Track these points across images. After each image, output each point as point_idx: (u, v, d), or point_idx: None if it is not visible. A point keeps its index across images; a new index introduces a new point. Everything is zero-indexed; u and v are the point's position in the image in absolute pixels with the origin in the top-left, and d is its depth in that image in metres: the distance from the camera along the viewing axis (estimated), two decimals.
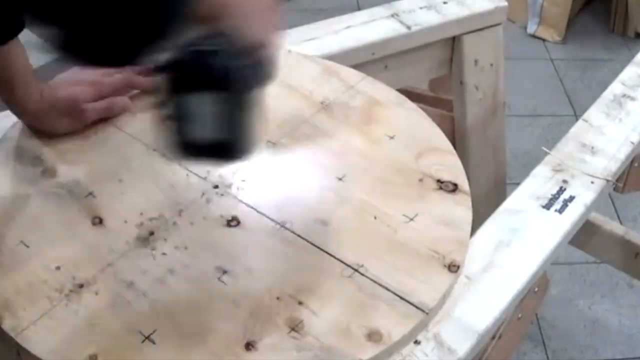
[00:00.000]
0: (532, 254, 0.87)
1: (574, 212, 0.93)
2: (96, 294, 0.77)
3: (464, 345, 0.77)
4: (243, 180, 0.90)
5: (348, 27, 1.23)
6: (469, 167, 1.35)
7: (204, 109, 0.64)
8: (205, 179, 0.90)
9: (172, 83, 0.64)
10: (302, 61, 1.11)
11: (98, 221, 0.85)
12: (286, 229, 0.85)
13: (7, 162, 0.93)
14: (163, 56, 0.64)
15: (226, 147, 0.67)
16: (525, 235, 0.89)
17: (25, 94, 0.91)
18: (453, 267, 0.81)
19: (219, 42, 0.65)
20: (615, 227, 1.33)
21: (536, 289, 0.93)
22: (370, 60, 1.21)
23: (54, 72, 0.99)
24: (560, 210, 0.93)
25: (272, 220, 0.86)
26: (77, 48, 0.58)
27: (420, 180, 0.92)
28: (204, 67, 0.63)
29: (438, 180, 0.91)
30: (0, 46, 0.86)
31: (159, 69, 0.64)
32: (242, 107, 0.66)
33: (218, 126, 0.65)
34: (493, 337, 0.86)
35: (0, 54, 0.87)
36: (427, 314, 0.76)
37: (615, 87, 1.16)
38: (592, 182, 0.98)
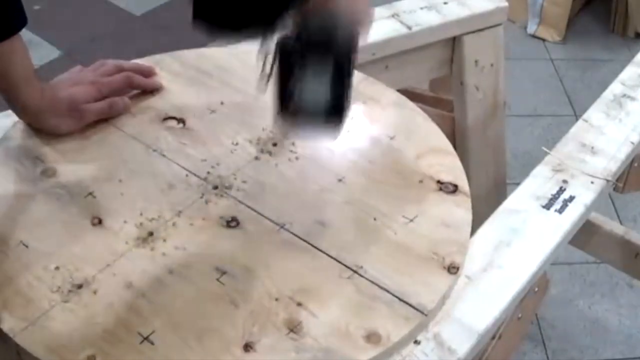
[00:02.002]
0: (532, 254, 0.87)
1: (574, 212, 0.93)
2: (95, 294, 0.77)
3: (464, 345, 0.77)
4: (243, 182, 0.90)
5: None
6: (469, 167, 1.35)
7: (320, 74, 0.73)
8: (205, 179, 0.90)
9: (293, 51, 0.73)
10: None
11: (97, 221, 0.85)
12: (285, 230, 0.85)
13: (8, 161, 0.93)
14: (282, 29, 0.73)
15: (333, 110, 0.76)
16: (525, 235, 0.89)
17: (26, 92, 0.91)
18: (452, 269, 0.81)
19: (331, 18, 0.74)
20: (615, 227, 1.33)
21: (536, 289, 0.92)
22: (370, 61, 1.21)
23: (54, 72, 0.99)
24: (560, 210, 0.93)
25: (271, 221, 0.86)
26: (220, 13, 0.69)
27: (420, 181, 0.92)
28: (324, 36, 0.73)
29: (438, 182, 0.91)
30: (2, 42, 0.85)
31: (283, 40, 0.73)
32: (348, 73, 0.75)
33: (329, 89, 0.74)
34: (493, 337, 0.86)
35: (2, 49, 0.87)
36: (426, 315, 0.76)
37: (615, 87, 1.16)
38: (592, 182, 0.98)
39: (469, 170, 1.02)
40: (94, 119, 0.97)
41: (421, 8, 1.28)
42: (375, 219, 0.86)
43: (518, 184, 0.97)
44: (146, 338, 0.73)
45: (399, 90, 1.07)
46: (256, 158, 0.94)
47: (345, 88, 0.76)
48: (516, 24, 2.62)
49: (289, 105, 0.75)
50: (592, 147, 1.04)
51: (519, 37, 2.59)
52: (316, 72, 0.74)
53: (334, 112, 0.76)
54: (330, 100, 0.75)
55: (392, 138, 0.98)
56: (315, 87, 0.74)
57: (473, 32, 1.29)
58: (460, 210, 0.88)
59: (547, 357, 1.60)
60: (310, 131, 0.79)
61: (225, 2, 0.71)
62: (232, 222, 0.85)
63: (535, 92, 2.35)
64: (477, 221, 0.90)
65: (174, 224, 0.85)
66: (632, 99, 1.14)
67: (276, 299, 0.77)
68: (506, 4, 1.31)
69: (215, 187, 0.90)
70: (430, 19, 1.26)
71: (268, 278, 0.79)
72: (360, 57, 1.19)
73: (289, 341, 0.73)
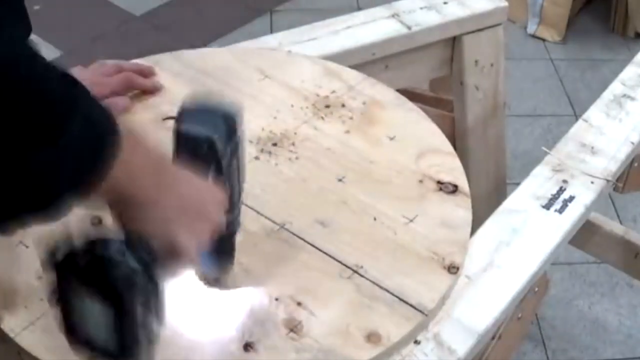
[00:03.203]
0: (532, 254, 0.87)
1: (574, 212, 0.93)
2: None
3: (464, 345, 0.77)
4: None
5: (348, 27, 1.23)
6: (469, 167, 1.35)
7: (89, 311, 0.58)
8: None
9: (61, 276, 0.59)
10: (302, 62, 1.11)
11: (98, 221, 0.85)
12: (286, 229, 0.85)
13: None
14: (63, 246, 0.60)
15: (121, 352, 0.60)
16: (525, 235, 0.89)
17: None
18: (452, 269, 0.81)
19: (122, 245, 0.60)
20: (615, 227, 1.33)
21: (536, 289, 0.92)
22: (370, 61, 1.21)
23: None
24: (560, 210, 0.93)
25: (271, 221, 0.86)
26: None
27: (420, 181, 0.92)
28: (95, 272, 0.58)
29: (438, 182, 0.91)
30: None
31: (51, 259, 0.59)
32: (131, 321, 0.59)
33: (102, 331, 0.59)
34: (493, 337, 0.86)
35: None
36: (426, 315, 0.76)
37: (615, 87, 1.16)
38: (592, 182, 0.98)
39: (469, 170, 1.02)
40: None
41: (421, 8, 1.28)
42: (375, 219, 0.86)
43: (518, 184, 0.97)
44: None
45: (399, 90, 1.07)
46: (256, 158, 0.94)
47: (133, 333, 0.59)
48: (516, 24, 2.62)
49: (74, 332, 0.60)
50: (592, 147, 1.04)
51: (519, 37, 2.59)
52: (93, 308, 0.58)
53: (122, 354, 0.60)
54: (115, 343, 0.59)
55: (392, 138, 0.98)
56: (95, 323, 0.58)
57: (473, 32, 1.29)
58: (460, 210, 0.88)
59: (547, 357, 1.59)
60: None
61: None
62: None
63: (535, 92, 2.35)
64: (477, 221, 0.90)
65: None
66: (632, 99, 1.14)
67: (276, 299, 0.77)
68: (506, 4, 1.31)
69: None
70: (430, 19, 1.26)
71: (268, 278, 0.79)
72: (361, 57, 1.21)
73: (289, 341, 0.73)
